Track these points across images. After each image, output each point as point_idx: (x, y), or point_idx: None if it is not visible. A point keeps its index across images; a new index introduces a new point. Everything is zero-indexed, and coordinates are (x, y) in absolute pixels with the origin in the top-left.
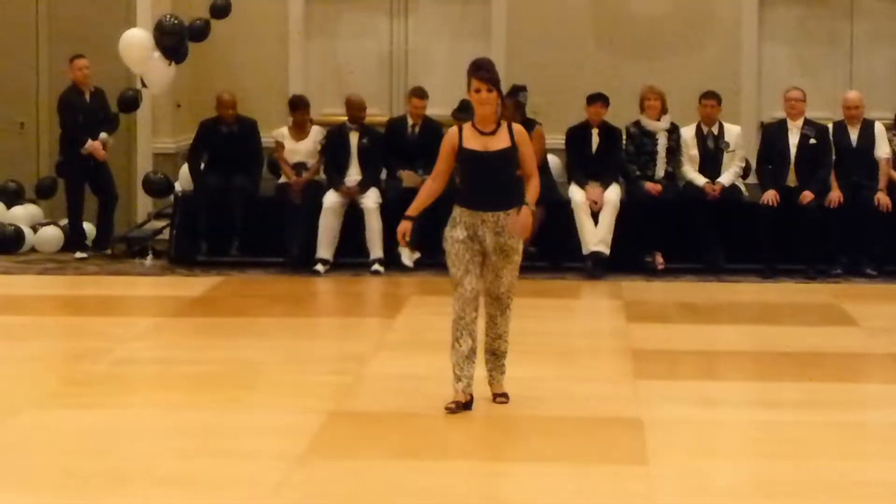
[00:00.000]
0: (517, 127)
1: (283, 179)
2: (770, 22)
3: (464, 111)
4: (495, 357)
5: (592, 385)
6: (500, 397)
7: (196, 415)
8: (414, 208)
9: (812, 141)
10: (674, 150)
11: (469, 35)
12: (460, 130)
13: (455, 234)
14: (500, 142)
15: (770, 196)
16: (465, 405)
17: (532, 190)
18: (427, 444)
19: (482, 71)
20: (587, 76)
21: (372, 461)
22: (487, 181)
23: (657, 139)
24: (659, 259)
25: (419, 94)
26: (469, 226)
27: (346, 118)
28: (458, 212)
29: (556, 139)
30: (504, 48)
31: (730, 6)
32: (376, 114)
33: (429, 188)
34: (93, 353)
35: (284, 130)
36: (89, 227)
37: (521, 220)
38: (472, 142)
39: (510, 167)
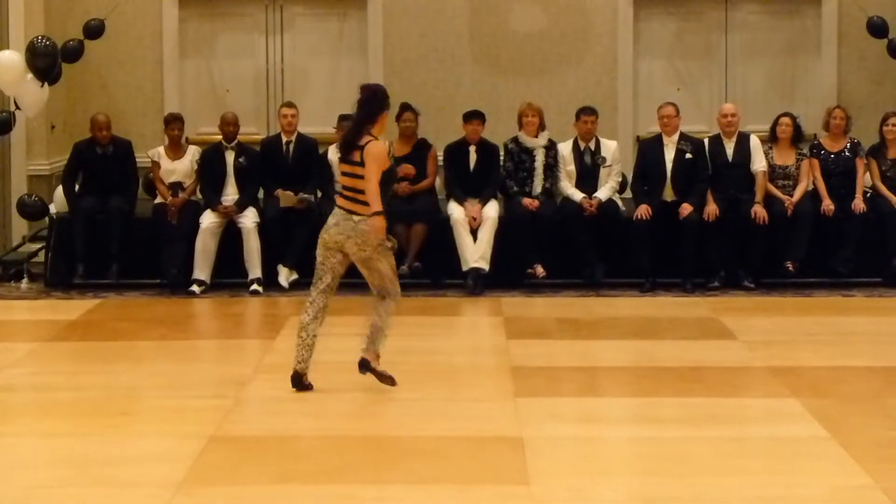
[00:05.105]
0: None
1: (159, 200)
2: (646, 36)
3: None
4: None
5: (473, 404)
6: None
7: (75, 443)
8: None
9: (688, 155)
10: (551, 166)
11: (346, 52)
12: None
13: None
14: None
15: (642, 210)
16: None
17: None
18: (308, 467)
19: None
20: (465, 93)
21: (252, 486)
22: None
23: (535, 155)
24: (539, 269)
25: (288, 104)
26: None
27: (220, 137)
28: None
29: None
30: (381, 65)
31: (606, 21)
32: (253, 132)
33: None
34: None
35: (160, 150)
36: None
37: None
38: None
39: None
